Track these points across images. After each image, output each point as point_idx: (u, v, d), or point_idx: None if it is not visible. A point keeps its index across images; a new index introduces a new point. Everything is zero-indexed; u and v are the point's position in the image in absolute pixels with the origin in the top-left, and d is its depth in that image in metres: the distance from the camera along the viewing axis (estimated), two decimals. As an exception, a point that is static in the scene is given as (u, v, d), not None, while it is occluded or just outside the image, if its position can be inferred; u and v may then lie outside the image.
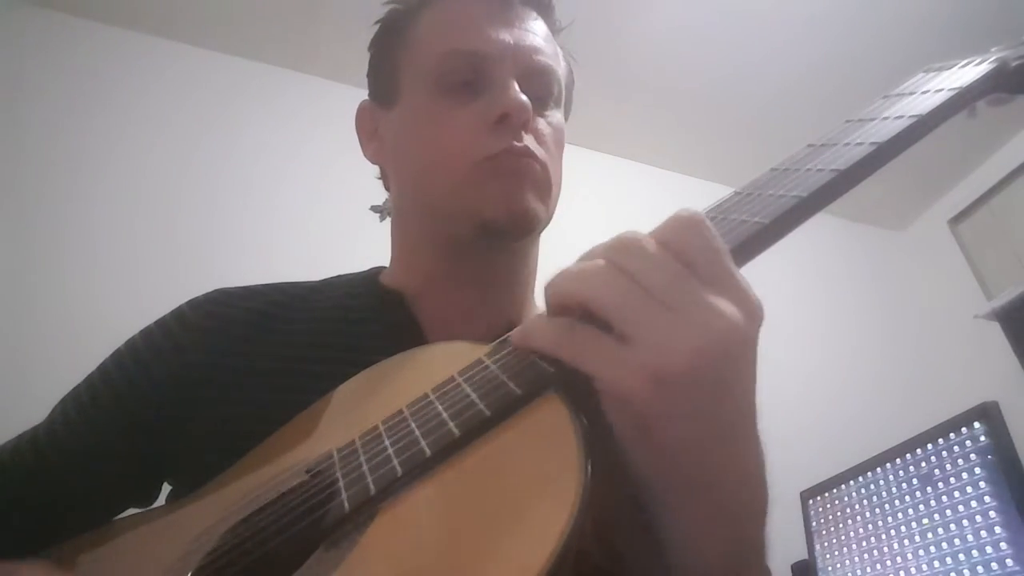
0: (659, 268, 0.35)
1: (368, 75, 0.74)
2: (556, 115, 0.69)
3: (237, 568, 0.42)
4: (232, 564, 0.42)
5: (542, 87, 0.66)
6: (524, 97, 0.62)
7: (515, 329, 0.40)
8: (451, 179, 0.63)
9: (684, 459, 0.35)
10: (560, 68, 0.70)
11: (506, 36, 0.65)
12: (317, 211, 1.99)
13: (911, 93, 0.54)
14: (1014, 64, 0.54)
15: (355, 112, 0.74)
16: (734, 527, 0.37)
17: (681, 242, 0.36)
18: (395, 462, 0.38)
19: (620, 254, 0.36)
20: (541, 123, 0.65)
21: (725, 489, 0.36)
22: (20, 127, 1.83)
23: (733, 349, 0.34)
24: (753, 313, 0.35)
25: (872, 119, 0.53)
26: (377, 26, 0.74)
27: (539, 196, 0.64)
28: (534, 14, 0.69)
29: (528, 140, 0.63)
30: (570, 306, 0.37)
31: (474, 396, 0.39)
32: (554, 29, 0.72)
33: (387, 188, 0.77)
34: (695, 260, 0.36)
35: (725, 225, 0.44)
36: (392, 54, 0.70)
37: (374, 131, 0.73)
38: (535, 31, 0.68)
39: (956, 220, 2.64)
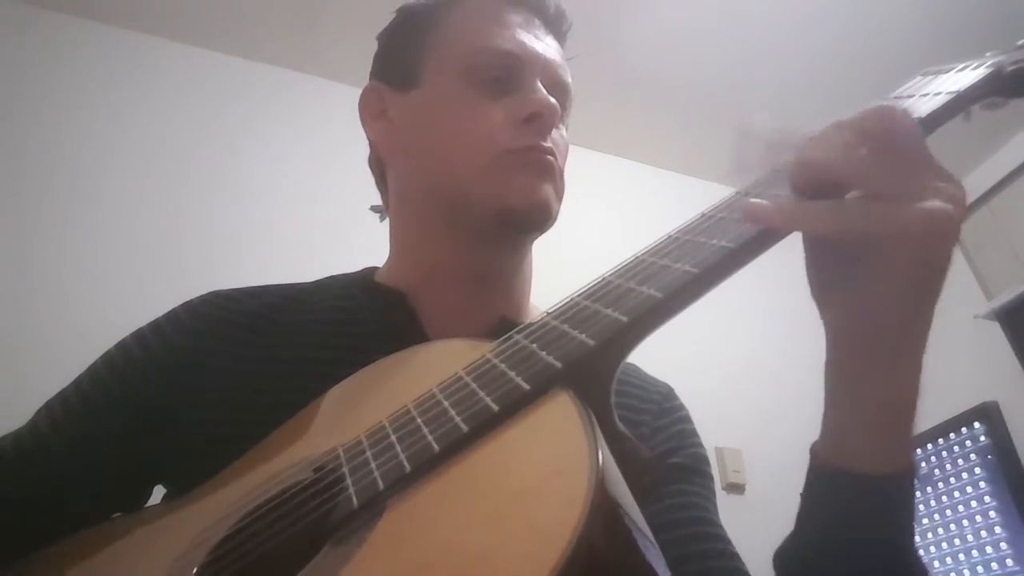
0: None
1: (379, 59, 0.76)
2: (565, 131, 0.72)
3: (243, 564, 0.42)
4: (238, 560, 0.42)
5: (561, 101, 0.69)
6: (554, 100, 0.65)
7: (768, 215, 0.44)
8: (474, 165, 0.64)
9: (911, 314, 0.44)
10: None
11: (538, 47, 0.69)
12: (317, 211, 1.98)
13: (910, 96, 0.54)
14: (1010, 69, 0.54)
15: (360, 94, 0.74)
16: (900, 407, 0.45)
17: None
18: (403, 458, 0.38)
19: (879, 134, 0.43)
20: (556, 134, 0.68)
21: (911, 362, 0.45)
22: (20, 127, 1.82)
23: (955, 226, 0.42)
24: (964, 202, 0.42)
25: None
26: (393, 15, 0.75)
27: (556, 194, 0.66)
28: (552, 36, 0.73)
29: (551, 142, 0.66)
30: (823, 178, 0.43)
31: (481, 392, 0.39)
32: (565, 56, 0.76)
33: (378, 177, 0.76)
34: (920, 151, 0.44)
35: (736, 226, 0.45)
36: (416, 41, 0.72)
37: (382, 112, 0.73)
38: (557, 50, 0.72)
39: (956, 220, 2.64)
